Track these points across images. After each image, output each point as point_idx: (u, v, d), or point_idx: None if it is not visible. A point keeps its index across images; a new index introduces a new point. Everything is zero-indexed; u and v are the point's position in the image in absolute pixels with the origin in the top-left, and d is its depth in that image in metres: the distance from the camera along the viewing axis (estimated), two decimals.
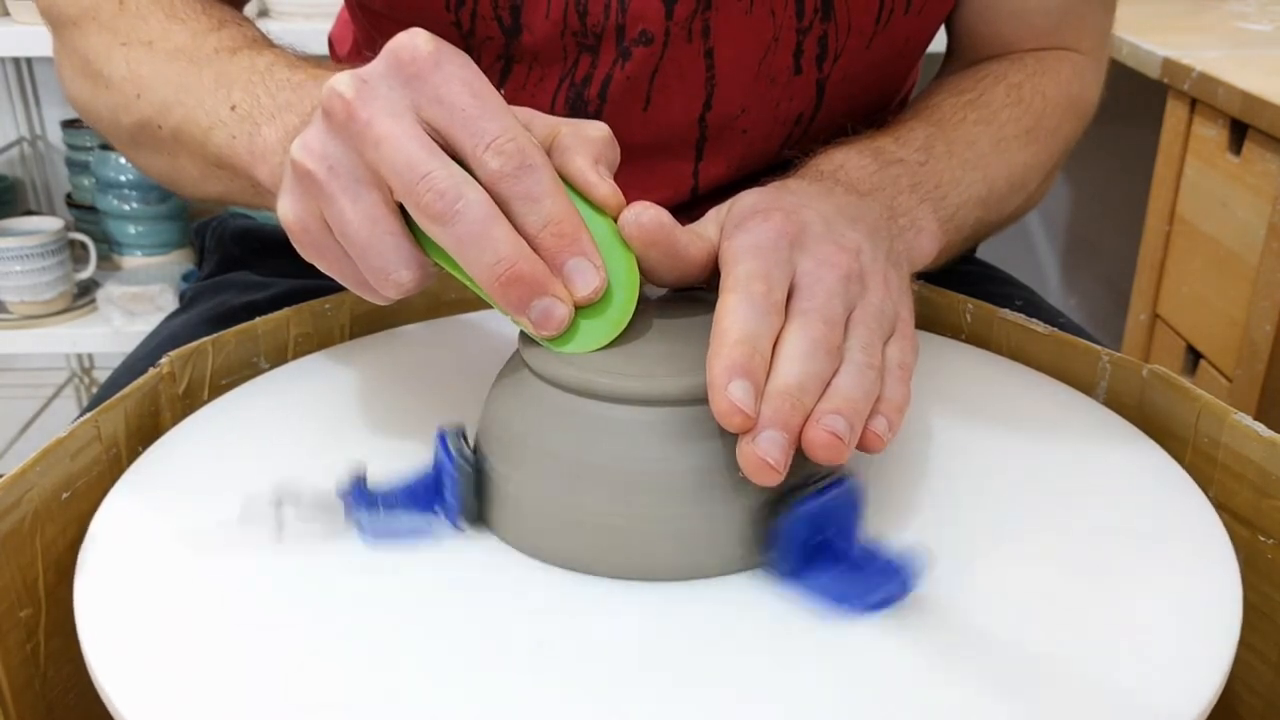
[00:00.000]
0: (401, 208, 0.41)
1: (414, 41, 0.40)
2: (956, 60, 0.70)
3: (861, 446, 0.39)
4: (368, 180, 0.40)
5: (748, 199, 0.45)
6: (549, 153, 0.42)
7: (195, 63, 0.55)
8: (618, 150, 0.44)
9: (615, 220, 0.42)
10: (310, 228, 0.42)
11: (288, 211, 0.42)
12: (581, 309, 0.41)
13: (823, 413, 0.38)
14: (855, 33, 0.62)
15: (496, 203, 0.40)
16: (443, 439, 0.42)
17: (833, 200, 0.48)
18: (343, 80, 0.40)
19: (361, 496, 0.42)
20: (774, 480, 0.37)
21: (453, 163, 0.39)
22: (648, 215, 0.41)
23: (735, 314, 0.39)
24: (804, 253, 0.42)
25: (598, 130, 0.43)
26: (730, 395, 0.37)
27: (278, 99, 0.50)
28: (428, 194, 0.39)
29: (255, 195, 0.52)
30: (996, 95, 0.63)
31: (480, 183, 0.39)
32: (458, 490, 0.42)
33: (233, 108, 0.51)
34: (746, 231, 0.42)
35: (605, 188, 0.42)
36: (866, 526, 0.40)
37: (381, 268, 0.41)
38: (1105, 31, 0.71)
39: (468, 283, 0.41)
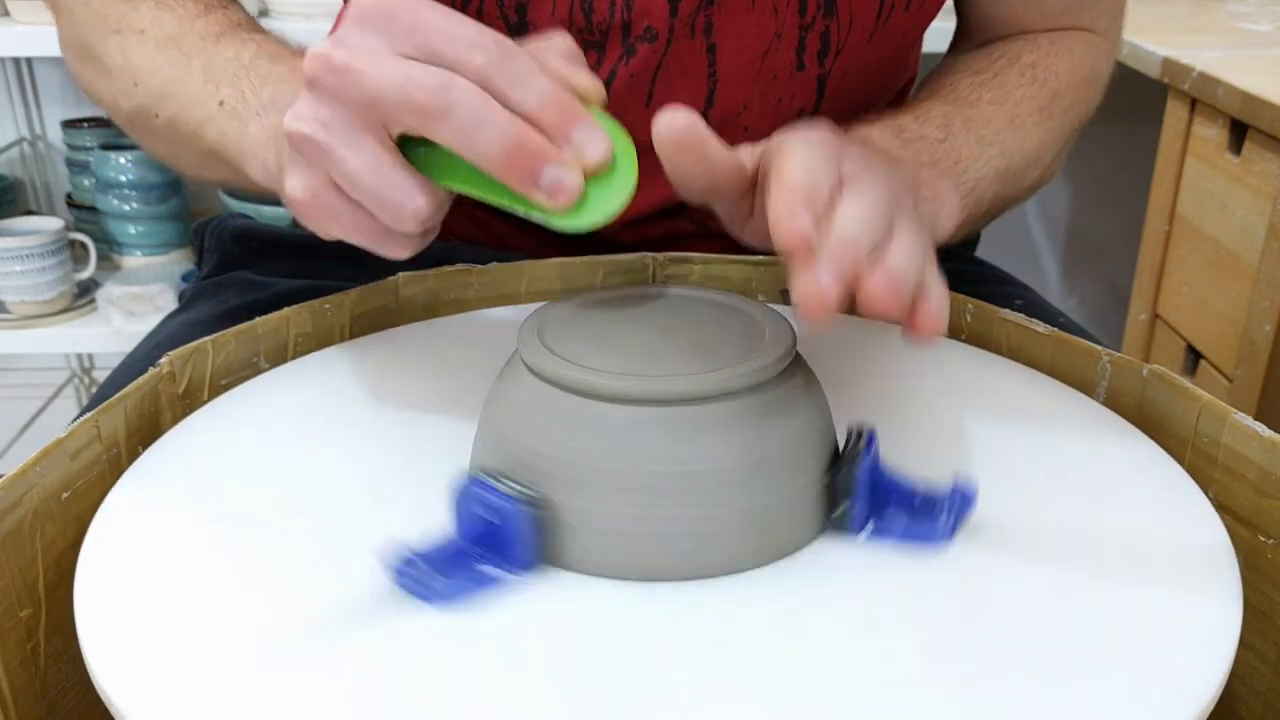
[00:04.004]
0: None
1: None
2: (968, 40, 0.71)
3: (913, 327, 0.40)
4: (362, 126, 0.41)
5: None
6: None
7: (184, 54, 0.56)
8: (583, 57, 0.44)
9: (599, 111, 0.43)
10: (319, 193, 0.43)
11: (295, 186, 0.43)
12: (589, 180, 0.41)
13: (878, 265, 0.39)
14: (857, 29, 0.63)
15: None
16: (480, 486, 0.40)
17: (868, 147, 0.49)
18: (317, 47, 0.41)
19: (412, 571, 0.39)
20: (825, 313, 0.37)
21: (436, 66, 0.40)
22: (681, 118, 0.41)
23: (797, 156, 0.40)
24: (847, 159, 0.42)
25: (562, 38, 0.44)
26: (795, 219, 0.38)
27: (261, 95, 0.51)
28: (418, 94, 0.39)
29: (251, 185, 0.53)
30: (1011, 76, 0.64)
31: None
32: (529, 535, 0.40)
33: (220, 104, 0.52)
34: (792, 132, 0.43)
35: (585, 78, 0.42)
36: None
37: (395, 200, 0.41)
38: (1118, 10, 0.72)
39: (480, 191, 0.41)
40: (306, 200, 0.43)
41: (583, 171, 0.41)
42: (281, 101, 0.50)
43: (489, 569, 0.39)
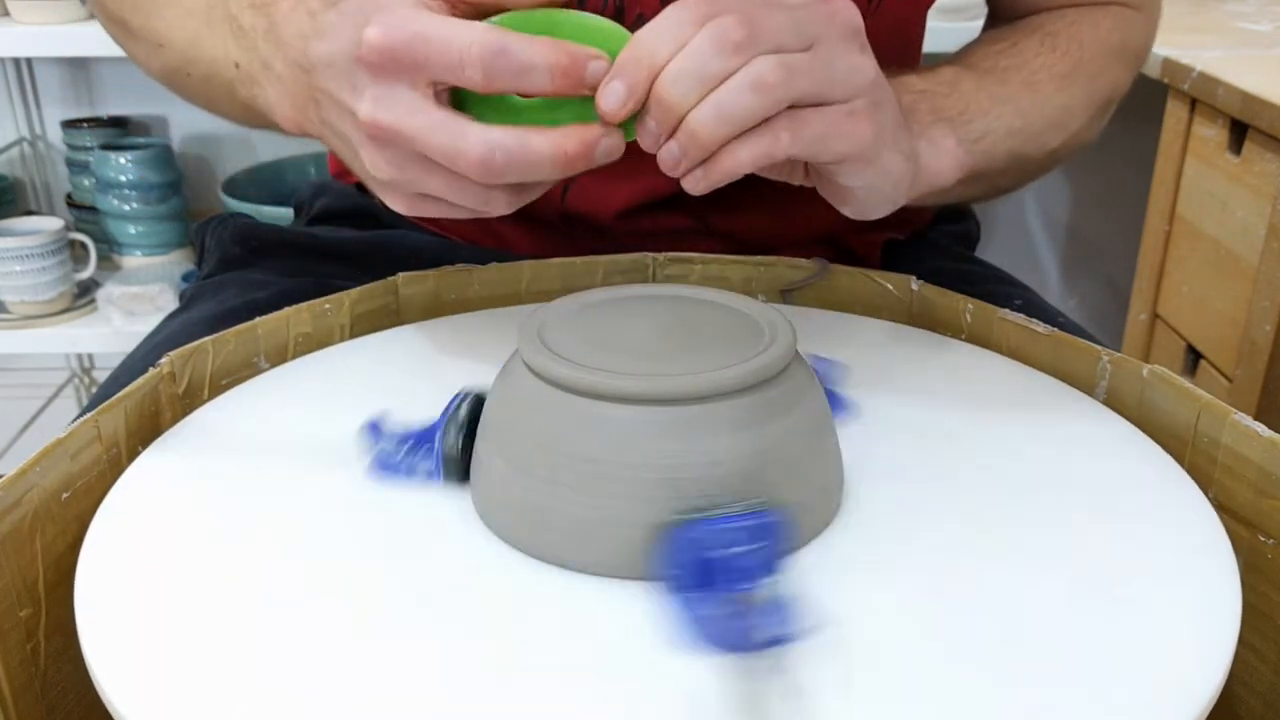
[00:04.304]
0: None
1: None
2: (998, 21, 0.71)
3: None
4: (421, 93, 0.42)
5: None
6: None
7: (199, 18, 0.58)
8: None
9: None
10: (405, 167, 0.44)
11: (379, 171, 0.45)
12: None
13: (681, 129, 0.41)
14: None
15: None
16: (453, 400, 0.45)
17: None
18: (330, 20, 0.44)
19: (375, 431, 0.47)
20: (613, 116, 0.42)
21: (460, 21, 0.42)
22: None
23: (649, 25, 0.42)
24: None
25: None
26: (602, 91, 0.41)
27: (260, 52, 0.52)
28: (471, 60, 0.41)
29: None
30: (1031, 44, 0.64)
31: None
32: (441, 451, 0.45)
33: (236, 65, 0.54)
34: None
35: None
36: (776, 569, 0.38)
37: (470, 140, 0.42)
38: None
39: (533, 117, 0.44)
40: (390, 181, 0.44)
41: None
42: (271, 60, 0.51)
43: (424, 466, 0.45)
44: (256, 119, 0.57)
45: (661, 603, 0.39)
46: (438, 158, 0.43)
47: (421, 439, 0.46)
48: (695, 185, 0.43)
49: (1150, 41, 0.70)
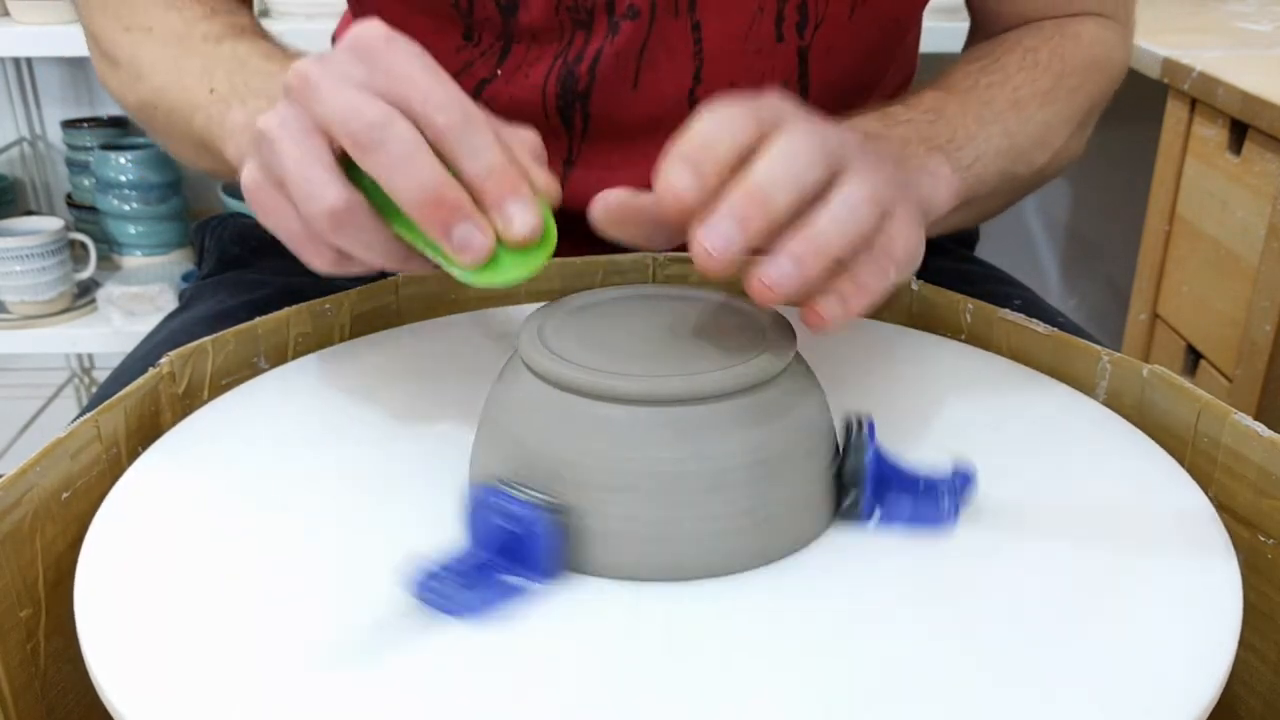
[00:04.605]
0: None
1: (369, 27, 0.43)
2: (979, 35, 0.71)
3: (804, 320, 0.39)
4: (312, 129, 0.42)
5: None
6: None
7: (186, 50, 0.59)
8: (545, 155, 0.46)
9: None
10: (261, 183, 0.44)
11: (246, 176, 0.45)
12: (509, 248, 0.42)
13: (780, 247, 0.37)
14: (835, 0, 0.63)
15: (442, 157, 0.41)
16: (498, 494, 0.40)
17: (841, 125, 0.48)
18: (303, 61, 0.43)
19: (435, 590, 0.38)
20: (715, 270, 0.37)
21: (390, 106, 0.41)
22: (609, 198, 0.43)
23: (697, 120, 0.39)
24: (781, 112, 0.41)
25: (531, 134, 0.45)
26: (665, 175, 0.37)
27: (251, 85, 0.54)
28: (357, 124, 0.40)
29: (234, 174, 0.54)
30: (1011, 60, 0.64)
31: (428, 140, 0.41)
32: (548, 544, 0.39)
33: (211, 91, 0.55)
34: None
35: (542, 176, 0.43)
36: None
37: (313, 191, 0.42)
38: None
39: (408, 234, 0.43)
40: (250, 188, 0.45)
41: (503, 239, 0.42)
42: (268, 92, 0.52)
43: (512, 579, 0.39)
44: (204, 157, 0.58)
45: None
46: (291, 190, 0.43)
47: (483, 568, 0.39)
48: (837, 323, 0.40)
49: (1128, 54, 0.71)
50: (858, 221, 0.39)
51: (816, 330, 0.40)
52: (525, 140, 0.45)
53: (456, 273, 0.42)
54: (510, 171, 0.42)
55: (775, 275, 0.38)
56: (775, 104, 0.41)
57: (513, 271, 0.42)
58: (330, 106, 0.41)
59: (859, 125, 0.54)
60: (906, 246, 0.42)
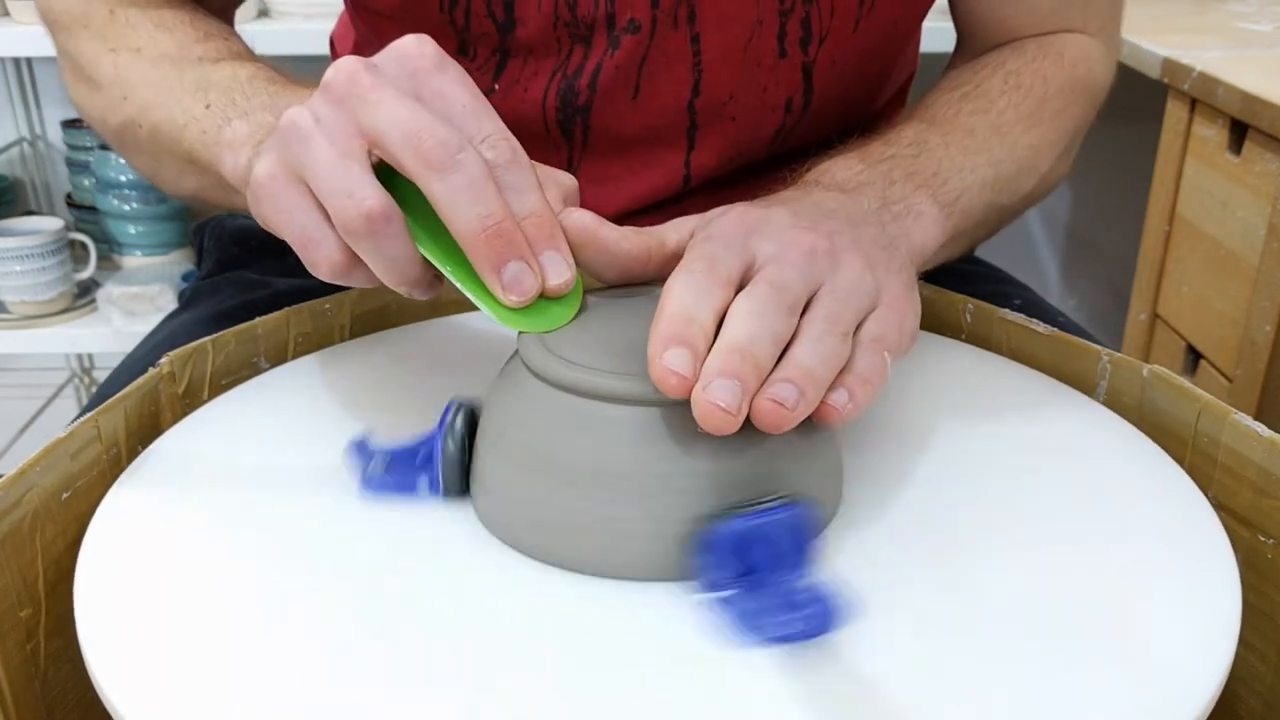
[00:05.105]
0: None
1: (421, 44, 0.42)
2: (964, 52, 0.71)
3: (817, 418, 0.39)
4: (355, 133, 0.41)
5: (722, 207, 0.45)
6: None
7: (178, 68, 0.57)
8: (579, 200, 0.46)
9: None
10: (278, 175, 0.42)
11: (261, 168, 0.43)
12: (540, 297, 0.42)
13: (772, 380, 0.38)
14: (840, 15, 0.62)
15: None
16: (446, 410, 0.44)
17: (810, 198, 0.48)
18: (348, 60, 0.41)
19: (363, 451, 0.46)
20: (730, 427, 0.37)
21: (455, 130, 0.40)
22: (573, 218, 0.43)
23: (672, 292, 0.39)
24: (765, 239, 0.42)
25: (569, 178, 0.45)
26: (666, 362, 0.37)
27: (253, 101, 0.52)
28: (430, 141, 0.39)
29: (224, 192, 0.54)
30: (994, 84, 0.63)
31: None
32: (441, 463, 0.43)
33: (207, 106, 0.53)
34: (705, 225, 0.44)
35: (574, 218, 0.43)
36: (810, 559, 0.39)
37: (348, 189, 0.40)
38: (1114, 10, 0.71)
39: (447, 265, 0.42)
40: (263, 179, 0.43)
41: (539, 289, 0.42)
42: (274, 106, 0.51)
43: (412, 480, 0.44)
44: (191, 175, 0.56)
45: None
46: (319, 188, 0.41)
47: (409, 454, 0.45)
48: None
49: (1110, 74, 0.70)
50: (834, 347, 0.40)
51: (832, 423, 0.40)
52: (564, 184, 0.45)
53: (487, 308, 0.41)
54: (550, 218, 0.41)
55: (784, 395, 0.38)
56: (737, 235, 0.42)
57: (538, 322, 0.42)
58: (391, 117, 0.40)
59: (837, 174, 0.52)
60: (901, 328, 0.43)
